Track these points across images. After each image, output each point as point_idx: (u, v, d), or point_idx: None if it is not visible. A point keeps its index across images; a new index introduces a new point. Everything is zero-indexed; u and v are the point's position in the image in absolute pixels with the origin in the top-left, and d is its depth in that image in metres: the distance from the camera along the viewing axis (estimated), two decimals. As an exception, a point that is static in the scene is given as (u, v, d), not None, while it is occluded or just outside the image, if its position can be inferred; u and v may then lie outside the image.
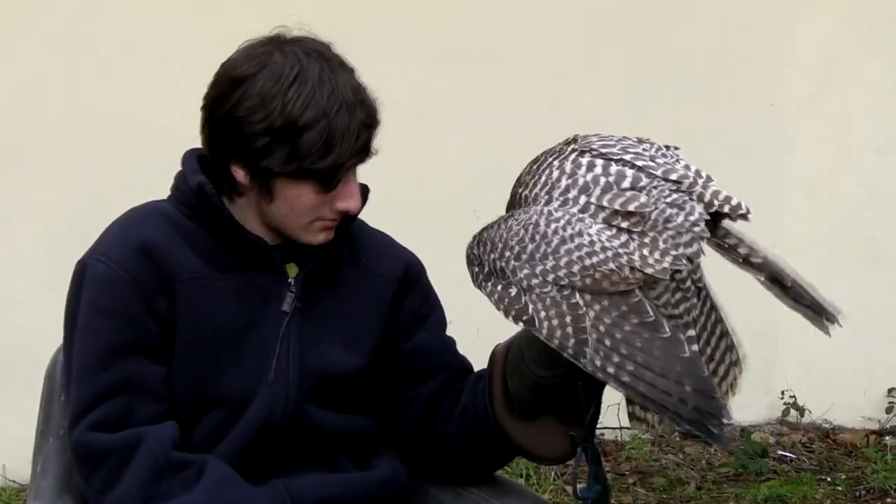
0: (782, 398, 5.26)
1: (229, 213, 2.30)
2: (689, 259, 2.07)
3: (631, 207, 2.07)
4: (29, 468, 2.47)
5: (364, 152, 2.26)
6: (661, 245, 2.06)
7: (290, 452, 2.35)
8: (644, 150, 2.16)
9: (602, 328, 2.04)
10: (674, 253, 2.06)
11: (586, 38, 5.04)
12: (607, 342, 2.03)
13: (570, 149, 2.18)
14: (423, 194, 4.86)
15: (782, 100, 5.24)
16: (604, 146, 2.16)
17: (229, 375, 2.30)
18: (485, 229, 2.19)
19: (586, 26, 5.04)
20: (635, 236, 2.07)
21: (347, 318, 2.39)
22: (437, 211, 4.87)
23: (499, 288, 2.12)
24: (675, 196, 2.10)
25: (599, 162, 2.13)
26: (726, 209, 2.10)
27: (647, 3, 5.10)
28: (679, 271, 2.08)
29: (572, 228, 2.08)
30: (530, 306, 2.08)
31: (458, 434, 2.41)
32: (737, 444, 5.01)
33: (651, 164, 2.13)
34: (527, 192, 2.16)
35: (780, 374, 5.18)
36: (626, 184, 2.10)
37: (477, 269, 2.18)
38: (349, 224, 2.37)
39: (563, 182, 2.12)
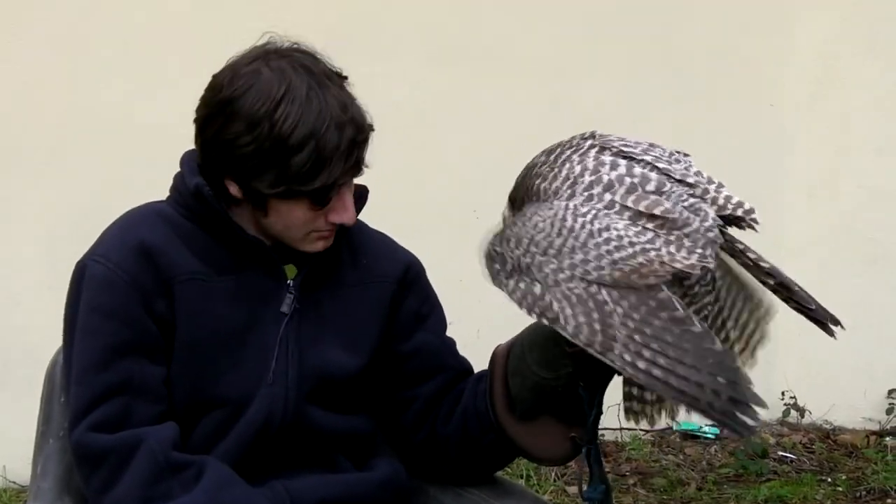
0: (783, 399, 5.26)
1: (227, 214, 2.30)
2: (707, 264, 2.07)
3: (657, 211, 2.06)
4: (29, 469, 2.47)
5: (356, 168, 2.25)
6: (687, 243, 2.06)
7: (289, 453, 2.35)
8: (660, 153, 2.16)
9: (631, 324, 2.01)
10: (699, 251, 2.06)
11: (586, 38, 5.04)
12: (637, 338, 2.00)
13: (588, 144, 2.17)
14: (423, 194, 4.86)
15: (782, 100, 5.24)
16: (625, 146, 2.15)
17: (228, 376, 2.29)
18: (507, 227, 2.15)
19: (586, 26, 5.04)
20: (661, 234, 2.06)
21: (347, 318, 2.38)
22: (437, 211, 4.87)
23: (521, 286, 2.09)
24: (692, 201, 2.10)
25: (622, 161, 2.12)
26: (739, 212, 2.11)
27: (647, 3, 5.10)
28: (707, 268, 2.06)
29: (599, 223, 2.06)
30: (555, 304, 2.05)
31: (458, 434, 2.41)
32: (738, 444, 5.01)
33: (670, 168, 2.13)
34: (545, 184, 2.13)
35: (780, 374, 5.17)
36: (650, 187, 2.09)
37: (498, 267, 2.14)
38: (349, 227, 2.37)
39: (587, 178, 2.10)
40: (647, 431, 5.11)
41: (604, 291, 2.03)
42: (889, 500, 4.74)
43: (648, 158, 2.13)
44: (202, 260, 2.29)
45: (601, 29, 5.05)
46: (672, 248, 2.04)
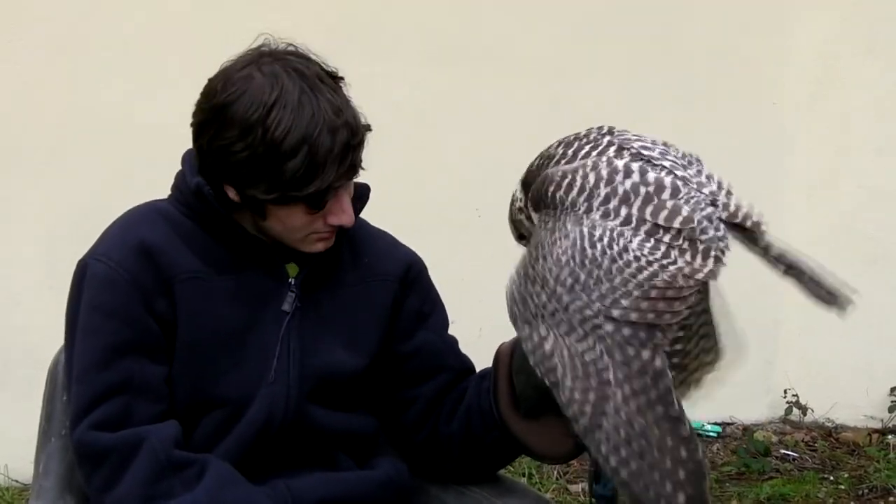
0: (785, 397, 5.26)
1: (229, 214, 2.30)
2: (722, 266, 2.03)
3: (675, 223, 2.01)
4: (31, 467, 2.47)
5: (351, 172, 2.24)
6: (700, 247, 2.01)
7: (291, 452, 2.35)
8: (675, 156, 2.12)
9: (623, 415, 1.96)
10: (714, 254, 2.01)
11: (586, 38, 5.04)
12: (621, 432, 1.96)
13: (606, 141, 2.13)
14: (423, 194, 4.86)
15: (782, 100, 5.23)
16: (644, 147, 2.11)
17: (229, 376, 2.29)
18: (530, 264, 2.08)
19: (586, 26, 5.04)
20: (674, 245, 2.01)
21: (348, 317, 2.38)
22: (438, 211, 4.87)
23: (535, 338, 2.04)
24: (709, 210, 2.05)
25: (636, 166, 2.07)
26: (748, 224, 2.07)
27: (647, 3, 5.10)
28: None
29: (618, 245, 2.01)
30: (559, 369, 2.00)
31: (461, 433, 2.41)
32: (740, 442, 5.00)
33: (686, 173, 2.09)
34: (561, 193, 2.08)
35: (782, 373, 5.18)
36: (665, 195, 2.04)
37: (518, 311, 2.07)
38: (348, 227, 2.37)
39: (602, 189, 2.05)
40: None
41: (613, 365, 1.97)
42: (891, 499, 4.74)
43: (666, 164, 2.09)
44: (203, 259, 2.29)
45: (601, 29, 5.04)
46: (688, 257, 2.00)
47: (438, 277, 2.53)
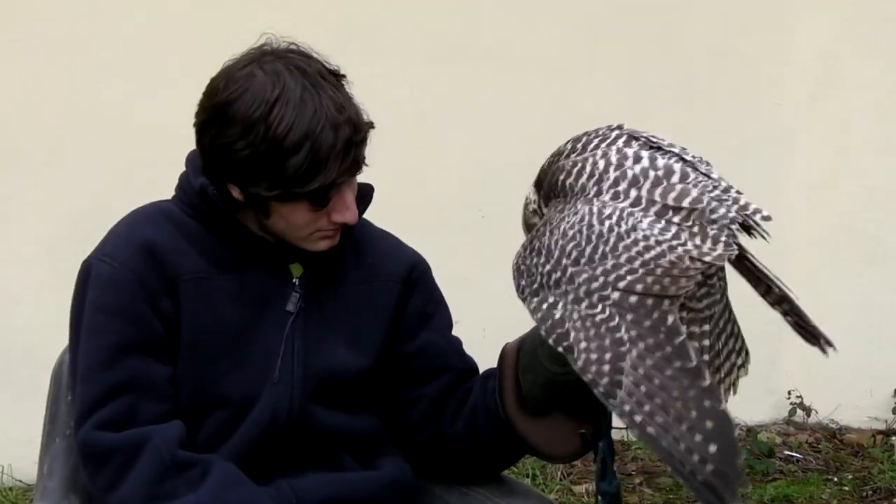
0: (789, 398, 5.25)
1: (232, 214, 2.30)
2: (732, 252, 2.06)
3: (685, 203, 2.05)
4: (34, 467, 2.47)
5: (353, 168, 2.24)
6: (710, 233, 2.05)
7: (295, 452, 2.35)
8: (684, 150, 2.16)
9: (641, 371, 1.98)
10: (723, 239, 2.05)
11: (586, 38, 5.04)
12: (642, 388, 1.98)
13: (615, 134, 2.17)
14: (424, 194, 4.86)
15: (782, 100, 5.23)
16: (652, 136, 2.16)
17: (231, 376, 2.29)
18: (535, 237, 2.13)
19: (586, 26, 5.04)
20: (685, 227, 2.05)
21: (352, 318, 2.38)
22: (438, 211, 4.87)
23: (544, 307, 2.06)
24: (717, 192, 2.10)
25: (646, 153, 2.12)
26: (758, 218, 2.10)
27: (647, 3, 5.10)
28: (730, 258, 2.06)
29: (626, 224, 2.05)
30: (572, 333, 2.03)
31: (466, 433, 2.41)
32: (744, 443, 5.00)
33: (694, 161, 2.14)
34: (571, 180, 2.13)
35: (784, 373, 5.17)
36: (675, 178, 2.09)
37: (524, 283, 2.11)
38: (353, 226, 2.36)
39: (612, 174, 2.10)
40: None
41: (623, 328, 2.00)
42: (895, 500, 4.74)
43: (676, 150, 2.14)
44: (207, 259, 2.29)
45: (601, 29, 5.04)
46: (698, 241, 2.04)
47: (441, 278, 2.53)
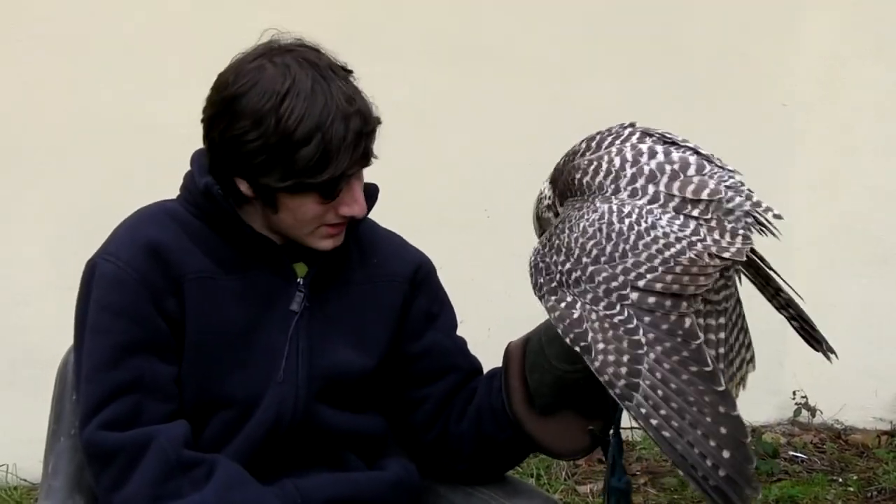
0: (793, 398, 5.25)
1: (237, 213, 2.30)
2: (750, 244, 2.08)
3: (703, 195, 2.07)
4: (39, 467, 2.47)
5: (364, 159, 2.25)
6: (728, 226, 2.07)
7: (299, 452, 2.35)
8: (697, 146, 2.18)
9: (658, 374, 2.00)
10: (741, 233, 2.06)
11: (586, 38, 5.04)
12: (659, 392, 1.99)
13: (628, 131, 2.19)
14: (424, 194, 4.85)
15: (783, 100, 5.23)
16: (666, 133, 2.17)
17: (236, 376, 2.29)
18: (554, 235, 2.13)
19: (586, 26, 5.04)
20: (703, 221, 2.06)
21: (356, 318, 2.38)
22: (438, 211, 4.86)
23: (561, 305, 2.08)
24: (732, 181, 2.12)
25: (660, 148, 2.13)
26: (769, 216, 2.12)
27: (647, 3, 5.09)
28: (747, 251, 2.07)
29: (645, 222, 2.06)
30: (590, 334, 2.04)
31: (472, 433, 2.41)
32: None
33: (709, 154, 2.16)
34: (587, 178, 2.15)
35: (789, 374, 5.17)
36: (691, 171, 2.10)
37: (542, 280, 2.12)
38: (358, 224, 2.36)
39: (629, 170, 2.12)
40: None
41: (644, 328, 2.02)
42: (900, 500, 4.74)
43: (691, 144, 2.16)
44: (211, 259, 2.29)
45: (601, 29, 5.04)
46: (717, 235, 2.05)
47: (444, 278, 2.53)
